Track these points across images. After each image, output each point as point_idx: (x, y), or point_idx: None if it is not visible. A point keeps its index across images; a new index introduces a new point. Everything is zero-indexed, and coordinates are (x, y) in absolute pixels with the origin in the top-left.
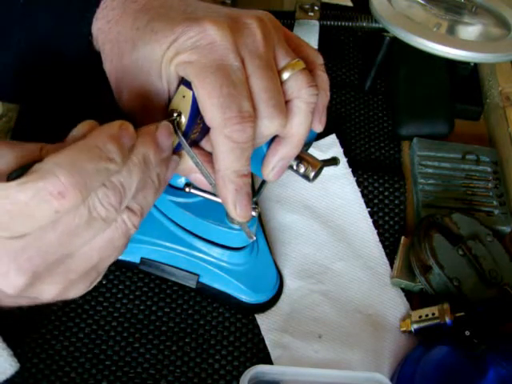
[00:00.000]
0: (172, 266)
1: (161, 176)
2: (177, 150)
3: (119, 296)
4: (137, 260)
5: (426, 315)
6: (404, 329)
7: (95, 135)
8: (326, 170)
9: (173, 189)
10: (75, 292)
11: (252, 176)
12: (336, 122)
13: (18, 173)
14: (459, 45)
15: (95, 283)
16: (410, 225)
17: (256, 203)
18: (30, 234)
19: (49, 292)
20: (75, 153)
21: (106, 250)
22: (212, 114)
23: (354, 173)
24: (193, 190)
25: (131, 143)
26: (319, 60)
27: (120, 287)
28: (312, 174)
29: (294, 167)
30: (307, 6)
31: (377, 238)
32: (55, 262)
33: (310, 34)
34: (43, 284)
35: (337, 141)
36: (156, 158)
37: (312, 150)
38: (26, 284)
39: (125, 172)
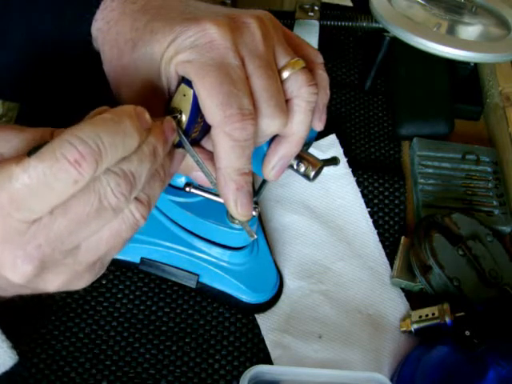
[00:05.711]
0: (172, 266)
1: (166, 168)
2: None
3: (119, 296)
4: (137, 260)
5: (426, 315)
6: (404, 329)
7: (112, 111)
8: (326, 170)
9: (173, 188)
10: (79, 284)
11: (252, 176)
12: (336, 122)
13: (36, 149)
14: (459, 45)
15: (99, 275)
16: (410, 225)
17: (256, 203)
18: (40, 220)
19: (53, 283)
20: (92, 125)
21: (114, 241)
22: (212, 111)
23: (354, 173)
24: (193, 190)
25: (147, 126)
26: (319, 59)
27: (120, 287)
28: (312, 174)
29: (295, 166)
30: (307, 6)
31: (377, 238)
32: (63, 252)
33: (309, 34)
34: (49, 274)
35: (337, 141)
36: (163, 151)
37: (312, 150)
38: (33, 273)
39: (136, 161)
